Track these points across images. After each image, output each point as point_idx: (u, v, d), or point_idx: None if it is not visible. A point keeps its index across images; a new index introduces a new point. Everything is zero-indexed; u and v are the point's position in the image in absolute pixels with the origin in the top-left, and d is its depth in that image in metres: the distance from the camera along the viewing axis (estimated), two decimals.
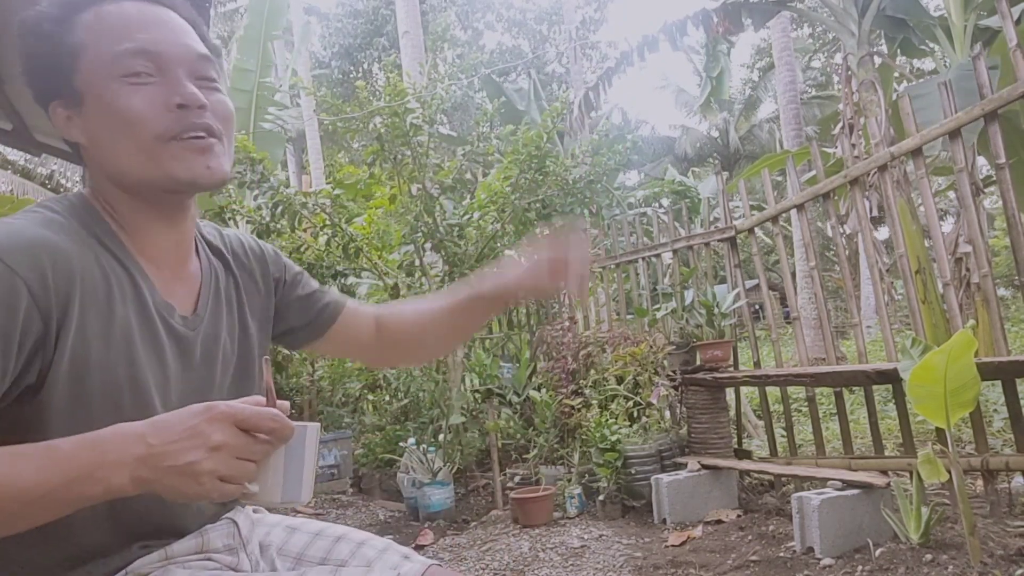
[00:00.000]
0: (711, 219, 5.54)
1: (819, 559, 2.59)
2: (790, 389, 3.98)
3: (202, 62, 0.83)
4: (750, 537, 2.98)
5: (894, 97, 6.16)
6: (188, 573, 0.84)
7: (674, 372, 3.83)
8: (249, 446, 0.69)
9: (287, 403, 0.75)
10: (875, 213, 4.58)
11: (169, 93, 0.79)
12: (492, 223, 4.65)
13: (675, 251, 4.30)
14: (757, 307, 12.45)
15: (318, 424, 0.76)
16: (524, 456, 4.21)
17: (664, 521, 3.36)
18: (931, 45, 6.35)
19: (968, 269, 4.35)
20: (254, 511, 1.04)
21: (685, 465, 3.53)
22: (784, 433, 3.79)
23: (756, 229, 4.01)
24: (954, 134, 2.88)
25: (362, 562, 0.94)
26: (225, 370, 0.94)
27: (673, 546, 3.01)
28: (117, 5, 0.79)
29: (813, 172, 3.83)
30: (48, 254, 0.72)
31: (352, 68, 18.65)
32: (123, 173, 0.81)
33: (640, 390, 3.84)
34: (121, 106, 0.77)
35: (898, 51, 6.74)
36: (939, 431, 2.80)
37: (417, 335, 1.14)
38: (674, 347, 3.87)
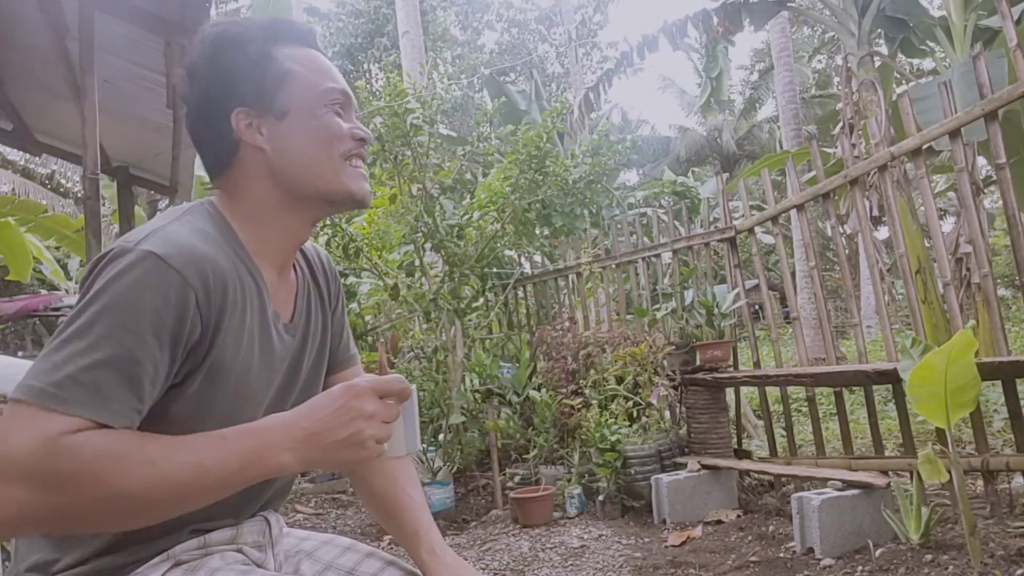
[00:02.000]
0: (711, 219, 5.54)
1: (819, 559, 2.59)
2: (790, 389, 3.98)
3: (355, 108, 1.00)
4: (750, 537, 2.98)
5: (894, 97, 6.16)
6: (221, 560, 0.91)
7: (674, 372, 3.83)
8: (389, 409, 0.81)
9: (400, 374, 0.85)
10: (875, 213, 4.58)
11: (353, 127, 0.95)
12: (492, 223, 4.65)
13: (675, 251, 4.30)
14: (757, 307, 12.45)
15: (415, 386, 0.88)
16: (524, 456, 4.21)
17: (664, 521, 3.36)
18: (931, 45, 6.35)
19: (968, 269, 4.35)
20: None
21: (685, 465, 3.53)
22: (784, 433, 3.79)
23: (756, 229, 4.00)
24: (954, 134, 2.88)
25: None
26: (304, 372, 1.02)
27: (673, 546, 3.01)
28: (313, 51, 0.96)
29: (813, 172, 3.83)
30: (211, 267, 0.81)
31: (352, 68, 18.64)
32: (308, 177, 0.92)
33: (640, 390, 3.84)
34: (330, 124, 0.93)
35: (898, 51, 6.74)
36: (939, 431, 2.80)
37: (368, 489, 1.13)
38: (674, 347, 3.86)
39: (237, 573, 0.88)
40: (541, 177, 4.66)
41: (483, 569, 2.98)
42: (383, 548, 1.13)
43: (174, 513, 0.76)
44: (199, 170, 5.93)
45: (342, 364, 1.14)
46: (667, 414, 3.95)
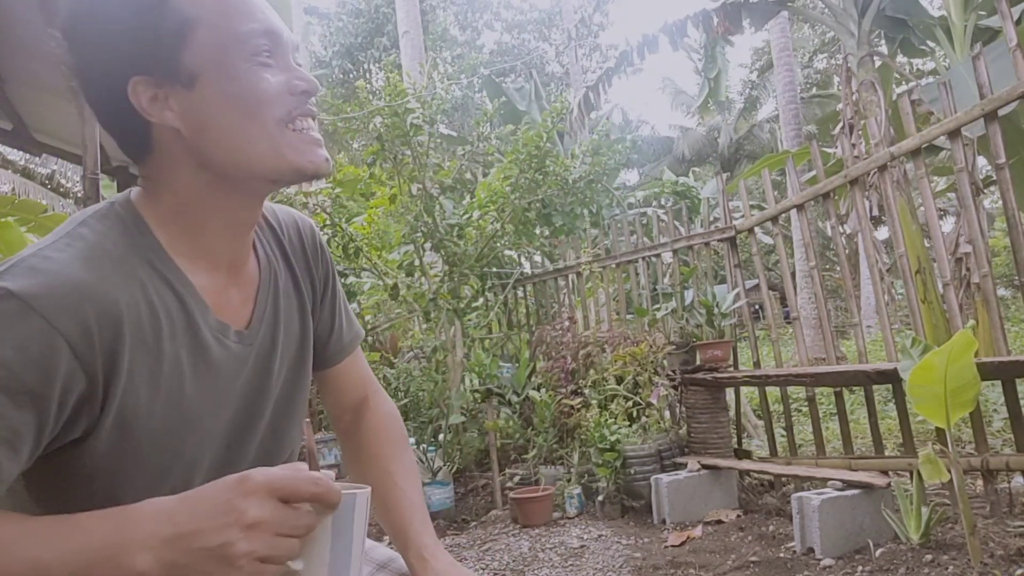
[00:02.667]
0: (711, 219, 5.54)
1: (819, 559, 2.59)
2: (790, 389, 3.98)
3: (294, 48, 0.78)
4: (750, 537, 2.98)
5: (894, 97, 6.16)
6: None
7: (674, 372, 3.83)
8: (290, 520, 0.60)
9: (332, 472, 0.66)
10: (875, 213, 4.58)
11: (290, 77, 0.75)
12: (492, 223, 4.65)
13: (675, 251, 4.30)
14: (757, 307, 12.45)
15: (368, 489, 0.67)
16: (524, 456, 4.21)
17: (664, 521, 3.36)
18: (931, 45, 6.35)
19: (968, 269, 4.34)
20: None
21: (685, 465, 3.53)
22: (784, 433, 3.79)
23: (756, 229, 4.00)
24: (954, 134, 2.88)
25: None
26: (279, 376, 0.87)
27: (673, 546, 3.00)
28: None
29: (813, 172, 3.83)
30: (93, 303, 0.65)
31: (352, 67, 18.65)
32: (236, 159, 0.73)
33: (640, 390, 3.84)
34: (252, 87, 0.72)
35: (898, 51, 6.74)
36: (939, 431, 2.80)
37: (365, 469, 1.01)
38: (674, 347, 3.86)
39: None
40: (541, 177, 4.66)
41: (483, 570, 2.98)
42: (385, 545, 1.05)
43: None
44: None
45: (338, 354, 1.00)
46: (667, 414, 3.95)
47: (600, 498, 3.57)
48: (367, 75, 18.28)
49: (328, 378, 1.02)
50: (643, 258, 4.52)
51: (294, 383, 0.90)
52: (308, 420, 0.70)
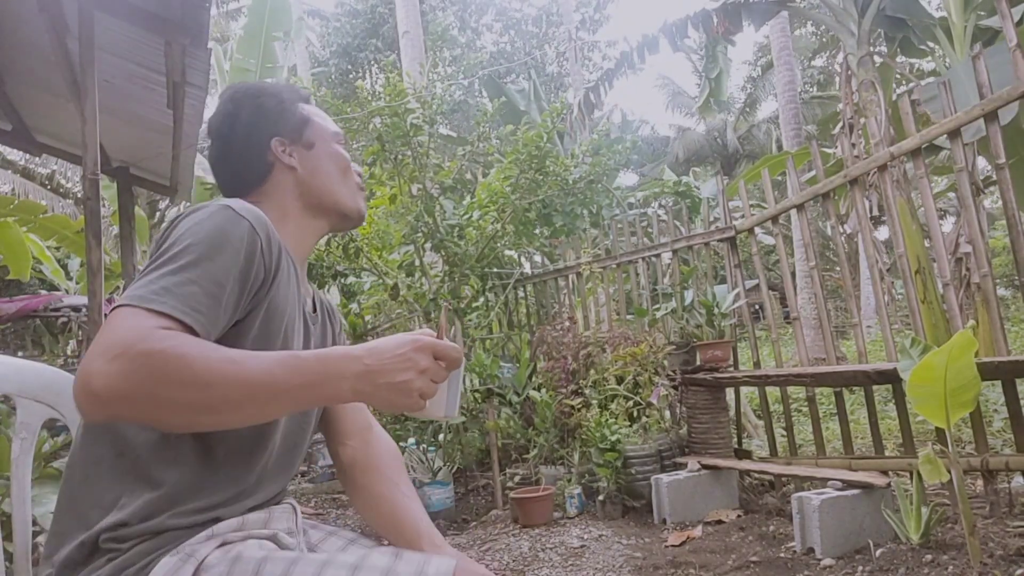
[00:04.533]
0: (711, 219, 5.54)
1: (819, 559, 2.59)
2: (790, 389, 3.98)
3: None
4: (750, 537, 2.98)
5: (894, 97, 6.16)
6: (260, 549, 0.96)
7: (674, 372, 3.83)
8: (439, 371, 0.88)
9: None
10: (875, 213, 4.58)
11: (354, 164, 1.23)
12: (492, 223, 4.65)
13: (675, 251, 4.30)
14: (757, 307, 12.45)
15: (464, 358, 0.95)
16: (524, 456, 4.21)
17: (664, 521, 3.36)
18: (931, 45, 6.34)
19: (968, 269, 4.35)
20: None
21: (685, 465, 3.53)
22: (784, 433, 3.79)
23: (756, 229, 4.01)
24: (954, 134, 2.89)
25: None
26: None
27: (673, 546, 3.01)
28: (316, 108, 1.23)
29: (813, 172, 3.83)
30: (271, 229, 0.99)
31: (351, 67, 18.63)
32: (332, 195, 1.16)
33: (640, 390, 3.84)
34: (344, 158, 1.20)
35: (898, 51, 6.74)
36: (939, 431, 2.80)
37: (368, 492, 1.20)
38: (674, 347, 3.87)
39: (285, 561, 0.92)
40: (541, 177, 4.66)
41: None
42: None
43: (246, 415, 0.84)
44: (199, 170, 5.93)
45: None
46: (667, 414, 3.95)
47: (600, 498, 3.57)
48: (365, 76, 18.26)
49: (334, 407, 1.24)
50: (643, 258, 4.52)
51: None
52: (446, 304, 1.10)
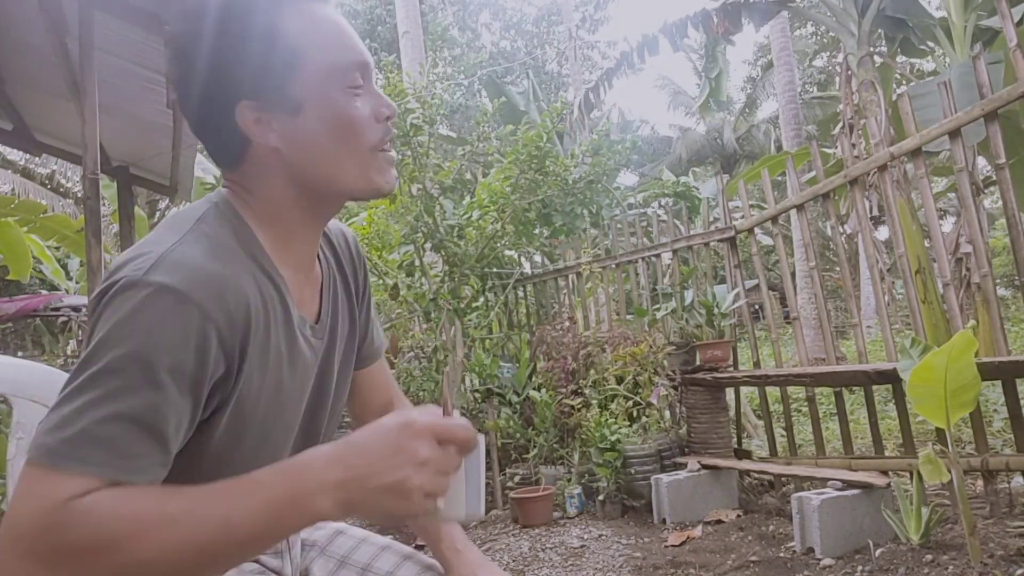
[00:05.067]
0: (711, 219, 5.54)
1: (819, 559, 2.59)
2: (790, 389, 3.98)
3: (373, 73, 0.83)
4: (750, 537, 2.98)
5: (894, 97, 6.16)
6: (239, 571, 0.84)
7: (674, 372, 3.83)
8: (447, 459, 0.67)
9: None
10: (875, 213, 4.58)
11: (376, 104, 0.81)
12: (492, 223, 4.65)
13: (675, 251, 4.30)
14: (757, 307, 12.45)
15: (482, 435, 0.74)
16: (524, 456, 4.21)
17: (664, 521, 3.36)
18: (931, 45, 6.35)
19: (968, 269, 4.35)
20: None
21: (685, 465, 3.53)
22: (784, 433, 3.79)
23: (756, 229, 4.00)
24: (954, 134, 2.88)
25: None
26: (335, 374, 0.93)
27: (673, 546, 3.01)
28: (323, 10, 0.79)
29: (813, 172, 3.83)
30: (231, 294, 0.71)
31: None
32: (332, 178, 0.80)
33: (640, 390, 3.84)
34: (349, 116, 0.78)
35: (898, 51, 6.74)
36: (939, 431, 2.80)
37: None
38: (674, 347, 3.87)
39: None
40: (541, 177, 4.66)
41: None
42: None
43: (204, 572, 0.66)
44: (199, 170, 5.93)
45: (368, 358, 1.06)
46: (667, 414, 3.95)
47: (600, 498, 3.57)
48: None
49: (359, 380, 1.06)
50: (643, 258, 4.52)
51: (345, 379, 0.97)
52: (447, 370, 0.88)
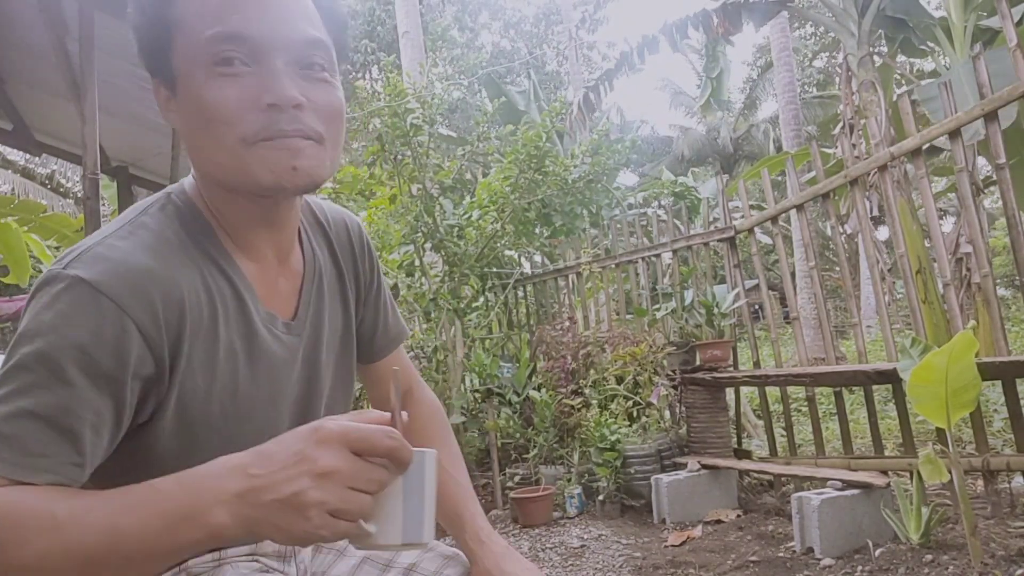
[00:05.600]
0: (711, 219, 5.55)
1: (819, 559, 2.59)
2: (790, 389, 3.98)
3: (310, 47, 0.71)
4: (750, 537, 2.98)
5: (894, 97, 6.16)
6: (233, 571, 0.81)
7: (674, 372, 3.83)
8: (363, 473, 0.58)
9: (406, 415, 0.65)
10: (875, 213, 4.58)
11: (260, 88, 0.68)
12: (492, 223, 4.65)
13: (675, 251, 4.30)
14: (757, 307, 12.45)
15: (436, 451, 0.64)
16: (524, 456, 4.21)
17: (664, 521, 3.36)
18: (931, 45, 6.34)
19: (968, 269, 4.35)
20: None
21: (685, 465, 3.53)
22: (784, 433, 3.79)
23: (756, 229, 4.00)
24: (954, 134, 2.88)
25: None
26: (327, 370, 0.88)
27: (672, 546, 3.01)
28: None
29: (813, 173, 3.83)
30: (158, 288, 0.67)
31: (350, 69, 18.62)
32: (206, 170, 0.74)
33: (640, 390, 3.84)
34: (207, 100, 0.68)
35: (898, 51, 6.74)
36: (939, 431, 2.80)
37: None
38: (674, 347, 3.87)
39: None
40: (541, 177, 4.66)
41: None
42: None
43: None
44: None
45: (384, 349, 1.01)
46: (667, 414, 3.95)
47: (600, 498, 3.57)
48: (364, 77, 18.25)
49: (375, 371, 1.02)
50: (643, 258, 4.52)
51: (341, 378, 0.92)
52: (397, 369, 0.66)
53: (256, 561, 0.86)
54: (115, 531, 0.58)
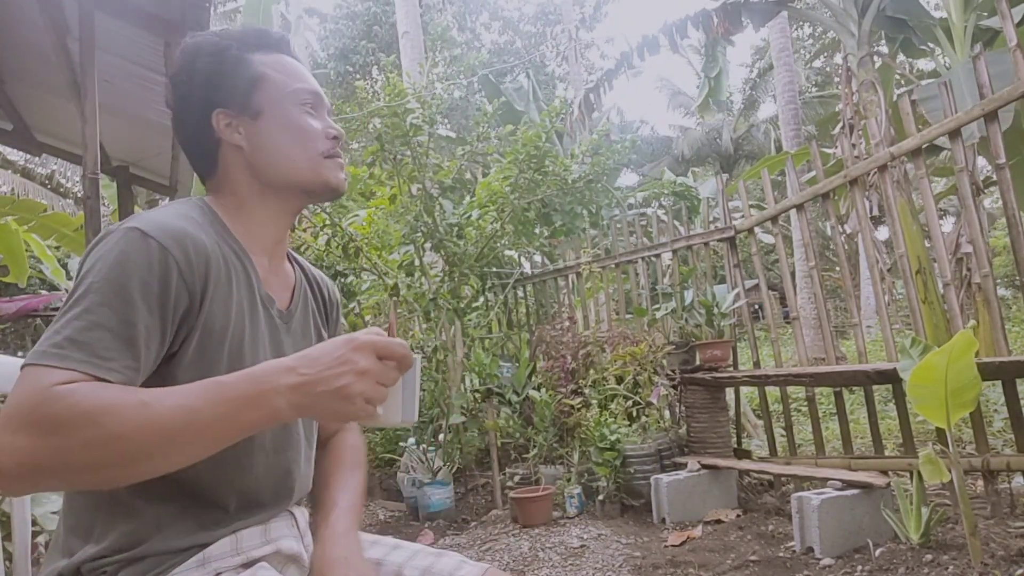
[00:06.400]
0: (711, 219, 5.55)
1: (819, 559, 2.59)
2: (790, 389, 3.98)
3: (327, 106, 1.07)
4: (749, 537, 2.98)
5: (894, 98, 6.16)
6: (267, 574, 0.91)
7: (673, 372, 3.83)
8: (386, 372, 0.79)
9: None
10: (875, 213, 4.58)
11: (326, 126, 1.03)
12: (491, 223, 4.65)
13: (675, 251, 4.30)
14: (757, 307, 12.45)
15: (420, 356, 0.88)
16: (524, 456, 4.21)
17: (663, 521, 3.36)
18: (931, 46, 6.34)
19: (969, 269, 4.35)
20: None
21: (684, 465, 3.53)
22: (784, 433, 3.79)
23: (756, 229, 4.00)
24: (954, 134, 2.89)
25: (416, 570, 1.04)
26: None
27: (672, 546, 3.01)
28: (285, 56, 1.04)
29: (813, 172, 3.83)
30: (190, 240, 0.86)
31: (351, 69, 18.62)
32: (286, 171, 1.00)
33: (640, 390, 3.84)
34: (303, 124, 1.00)
35: (899, 51, 6.74)
36: (939, 431, 2.80)
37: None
38: (674, 347, 3.87)
39: None
40: (540, 177, 4.66)
41: None
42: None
43: (175, 458, 0.75)
44: None
45: None
46: (667, 413, 3.95)
47: (600, 498, 3.57)
48: (364, 78, 18.24)
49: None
50: (643, 258, 4.52)
51: None
52: (395, 299, 1.00)
53: (277, 554, 0.97)
54: (192, 411, 0.74)
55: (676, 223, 4.42)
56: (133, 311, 0.79)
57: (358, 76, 17.96)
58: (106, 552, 0.85)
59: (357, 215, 4.93)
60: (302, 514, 1.07)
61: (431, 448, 4.20)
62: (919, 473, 2.38)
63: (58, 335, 0.77)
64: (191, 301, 0.86)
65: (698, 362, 3.85)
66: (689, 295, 4.25)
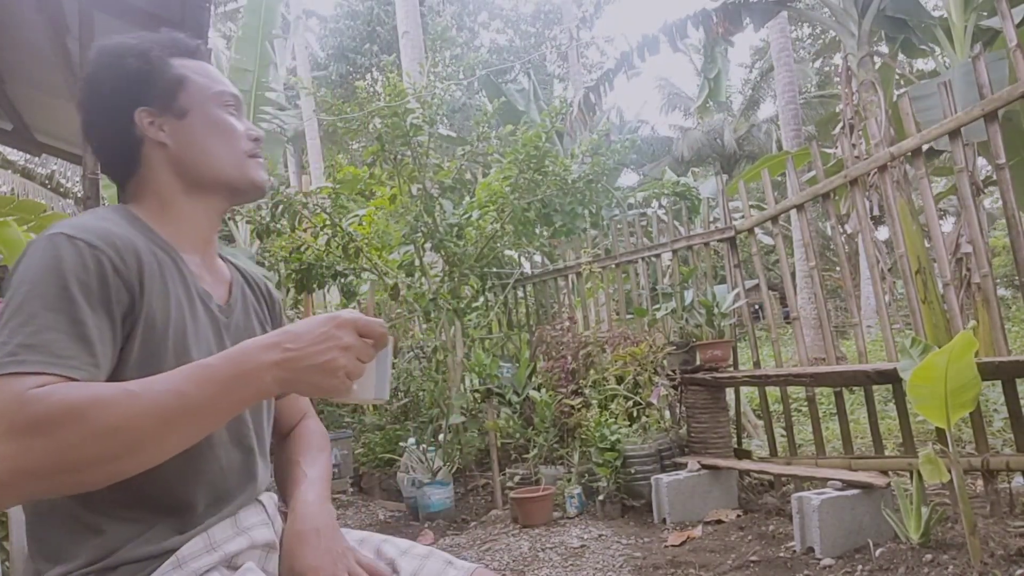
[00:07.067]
0: (711, 219, 5.55)
1: (819, 559, 2.59)
2: (790, 389, 3.98)
3: (244, 110, 1.11)
4: (750, 537, 2.98)
5: (894, 98, 6.16)
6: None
7: (674, 372, 3.83)
8: (364, 348, 0.82)
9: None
10: (875, 213, 4.58)
11: (248, 128, 1.07)
12: (492, 223, 4.65)
13: (675, 251, 4.30)
14: (757, 307, 12.45)
15: (391, 337, 0.90)
16: (524, 456, 4.21)
17: (664, 521, 3.36)
18: (931, 45, 6.34)
19: (968, 269, 4.35)
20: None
21: (685, 465, 3.53)
22: (784, 433, 3.79)
23: (756, 229, 4.00)
24: (954, 134, 2.88)
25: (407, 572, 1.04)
26: None
27: (673, 546, 3.01)
28: (203, 62, 1.07)
29: (813, 172, 3.83)
30: (119, 239, 0.86)
31: (351, 70, 18.61)
32: (213, 169, 1.01)
33: (640, 390, 3.84)
34: (228, 123, 1.03)
35: (899, 51, 6.74)
36: (939, 431, 2.80)
37: (278, 461, 1.16)
38: (674, 347, 3.86)
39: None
40: (540, 177, 4.66)
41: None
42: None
43: (170, 445, 0.75)
44: None
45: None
46: (667, 414, 3.95)
47: (600, 498, 3.57)
48: (364, 78, 18.24)
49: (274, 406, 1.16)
50: (643, 258, 4.52)
51: None
52: (375, 280, 1.01)
53: (251, 547, 0.96)
54: (182, 395, 0.74)
55: (676, 223, 4.42)
56: (79, 310, 0.78)
57: (359, 77, 17.96)
58: (78, 568, 0.84)
59: (357, 215, 4.93)
60: (270, 499, 1.07)
61: (431, 448, 4.20)
62: (919, 473, 2.38)
63: (7, 345, 0.74)
64: (131, 297, 0.85)
65: (698, 362, 3.85)
66: (689, 295, 4.25)
